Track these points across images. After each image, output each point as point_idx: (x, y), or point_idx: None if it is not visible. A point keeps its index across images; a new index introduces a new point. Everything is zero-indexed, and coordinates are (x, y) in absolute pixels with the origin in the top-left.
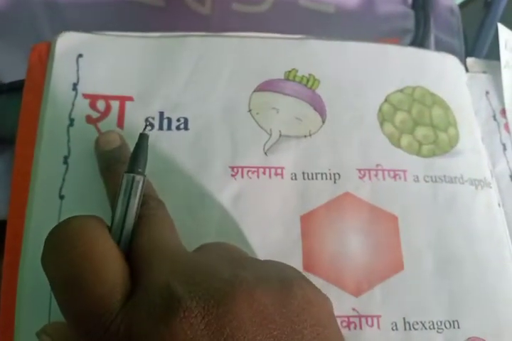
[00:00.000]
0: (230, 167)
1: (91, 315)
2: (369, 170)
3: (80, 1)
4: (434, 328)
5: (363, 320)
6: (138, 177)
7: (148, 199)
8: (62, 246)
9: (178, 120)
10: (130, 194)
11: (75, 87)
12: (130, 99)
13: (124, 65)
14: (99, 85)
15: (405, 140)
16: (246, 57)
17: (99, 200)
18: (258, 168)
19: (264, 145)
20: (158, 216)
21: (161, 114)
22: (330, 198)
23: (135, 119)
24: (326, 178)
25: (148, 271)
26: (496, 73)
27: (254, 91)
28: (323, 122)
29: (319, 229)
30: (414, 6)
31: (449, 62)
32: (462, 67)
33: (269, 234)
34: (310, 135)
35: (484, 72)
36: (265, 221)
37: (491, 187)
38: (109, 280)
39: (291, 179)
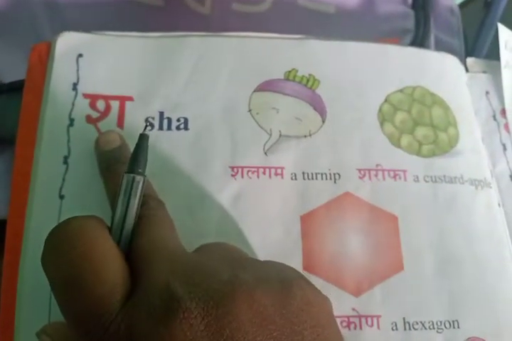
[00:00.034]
0: (230, 167)
1: (91, 315)
2: (369, 170)
3: (80, 1)
4: (434, 328)
5: (363, 320)
6: (138, 178)
7: (148, 200)
8: (62, 246)
9: (178, 120)
10: (130, 194)
11: (75, 86)
12: (130, 99)
13: (124, 65)
14: (99, 85)
15: (405, 140)
16: (246, 57)
17: (99, 200)
18: (258, 168)
19: (264, 145)
20: (158, 216)
21: (161, 113)
22: (330, 198)
23: (135, 119)
24: (326, 178)
25: (148, 271)
26: (496, 73)
27: (254, 91)
28: (323, 122)
29: (319, 229)
30: (414, 6)
31: (449, 62)
32: (462, 67)
33: (269, 234)
34: (310, 135)
35: (484, 72)
36: (265, 221)
37: (491, 187)
38: (109, 280)
39: (291, 179)
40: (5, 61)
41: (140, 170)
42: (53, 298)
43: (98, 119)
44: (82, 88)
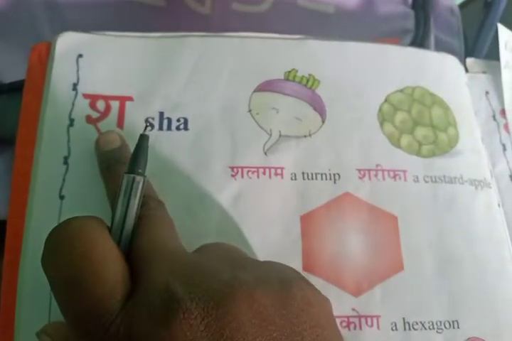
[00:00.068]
0: (230, 167)
1: (91, 315)
2: (369, 170)
3: (80, 1)
4: (433, 328)
5: (363, 320)
6: (138, 178)
7: (149, 200)
8: (62, 246)
9: (178, 120)
10: (130, 194)
11: (75, 87)
12: (130, 99)
13: (124, 65)
14: (99, 85)
15: (405, 140)
16: (246, 57)
17: (99, 200)
18: (258, 168)
19: (264, 145)
20: (158, 216)
21: (161, 114)
22: (330, 198)
23: (135, 119)
24: (326, 178)
25: (148, 272)
26: (495, 73)
27: (254, 91)
28: (323, 122)
29: (319, 229)
30: (414, 6)
31: (449, 63)
32: (462, 68)
33: (268, 234)
34: (310, 135)
35: (484, 73)
36: (265, 221)
37: (490, 188)
38: (109, 280)
39: (291, 179)
40: (5, 61)
41: (140, 171)
42: (53, 298)
43: (98, 119)
44: (82, 88)
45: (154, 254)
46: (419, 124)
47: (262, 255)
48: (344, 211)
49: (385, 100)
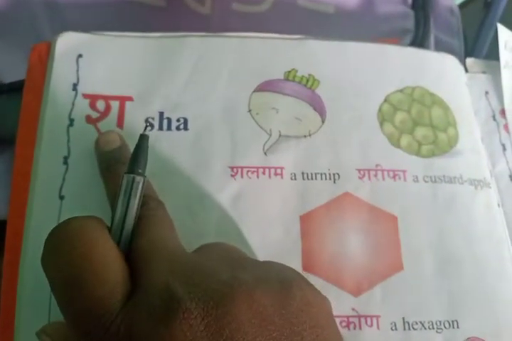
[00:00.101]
0: (230, 167)
1: (91, 315)
2: (368, 170)
3: (80, 1)
4: (433, 328)
5: (363, 320)
6: (138, 178)
7: (148, 200)
8: (62, 246)
9: (178, 120)
10: (130, 194)
11: (74, 87)
12: (130, 99)
13: (123, 65)
14: (99, 85)
15: (405, 140)
16: (246, 57)
17: (99, 201)
18: (258, 168)
19: (264, 145)
20: (158, 216)
21: (161, 114)
22: (329, 198)
23: (135, 119)
24: (326, 178)
25: (148, 272)
26: (495, 73)
27: (254, 91)
28: (323, 122)
29: (319, 229)
30: (414, 6)
31: (449, 63)
32: (462, 68)
33: (268, 234)
34: (310, 135)
35: (484, 73)
36: (265, 221)
37: (490, 188)
38: (109, 280)
39: (291, 179)
40: (5, 61)
41: (140, 171)
42: (53, 298)
43: (98, 119)
44: (81, 88)
45: (154, 254)
46: (418, 124)
47: (261, 255)
48: (344, 211)
49: (385, 100)
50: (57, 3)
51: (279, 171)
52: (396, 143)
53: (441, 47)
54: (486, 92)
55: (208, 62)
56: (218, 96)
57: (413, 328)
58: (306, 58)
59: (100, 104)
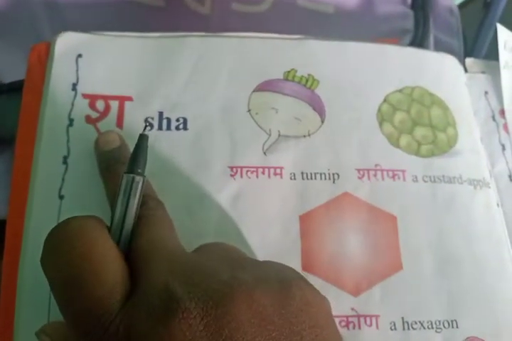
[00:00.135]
0: (229, 167)
1: (90, 315)
2: (368, 170)
3: (80, 1)
4: (432, 328)
5: (362, 319)
6: (137, 178)
7: (148, 200)
8: (62, 246)
9: (178, 120)
10: (129, 194)
11: (74, 87)
12: (129, 99)
13: (123, 65)
14: (99, 85)
15: (404, 140)
16: (245, 57)
17: (98, 200)
18: (257, 167)
19: (264, 145)
20: (158, 216)
21: (161, 114)
22: (329, 198)
23: (134, 119)
24: (325, 178)
25: (148, 272)
26: (494, 73)
27: (254, 91)
28: (322, 122)
29: (318, 229)
30: (413, 6)
31: (448, 63)
32: (461, 68)
33: (268, 234)
34: (309, 135)
35: (483, 73)
36: (264, 221)
37: (489, 188)
38: (109, 280)
39: (291, 179)
40: (5, 61)
41: (139, 171)
42: (53, 298)
43: (97, 119)
44: (81, 88)
45: (153, 254)
46: (418, 124)
47: (261, 255)
48: (343, 211)
49: (384, 100)
50: (57, 3)
51: (278, 171)
52: (395, 143)
53: (440, 47)
54: (486, 92)
55: (208, 62)
56: (218, 96)
57: (412, 328)
58: (306, 58)
59: (100, 104)
